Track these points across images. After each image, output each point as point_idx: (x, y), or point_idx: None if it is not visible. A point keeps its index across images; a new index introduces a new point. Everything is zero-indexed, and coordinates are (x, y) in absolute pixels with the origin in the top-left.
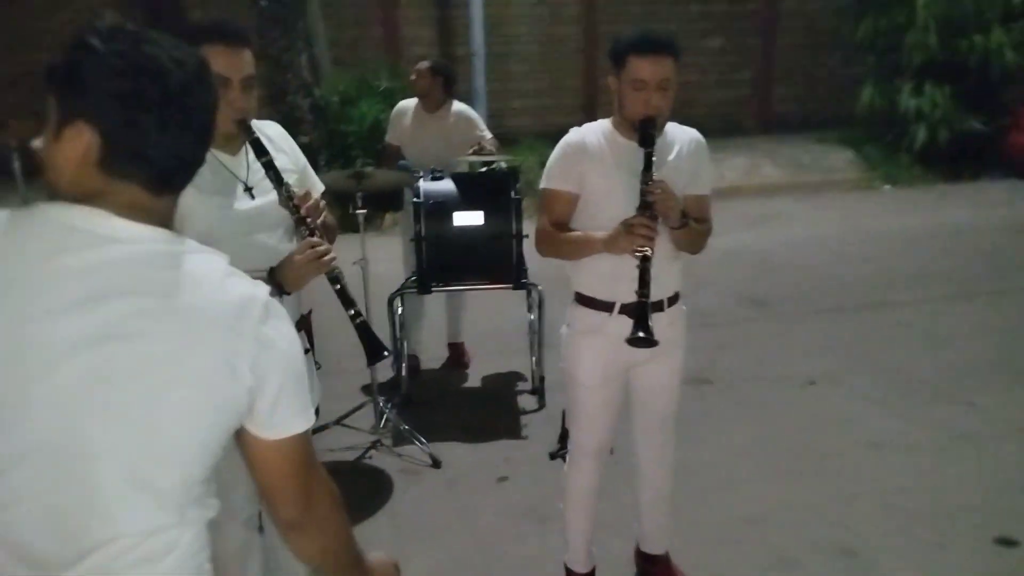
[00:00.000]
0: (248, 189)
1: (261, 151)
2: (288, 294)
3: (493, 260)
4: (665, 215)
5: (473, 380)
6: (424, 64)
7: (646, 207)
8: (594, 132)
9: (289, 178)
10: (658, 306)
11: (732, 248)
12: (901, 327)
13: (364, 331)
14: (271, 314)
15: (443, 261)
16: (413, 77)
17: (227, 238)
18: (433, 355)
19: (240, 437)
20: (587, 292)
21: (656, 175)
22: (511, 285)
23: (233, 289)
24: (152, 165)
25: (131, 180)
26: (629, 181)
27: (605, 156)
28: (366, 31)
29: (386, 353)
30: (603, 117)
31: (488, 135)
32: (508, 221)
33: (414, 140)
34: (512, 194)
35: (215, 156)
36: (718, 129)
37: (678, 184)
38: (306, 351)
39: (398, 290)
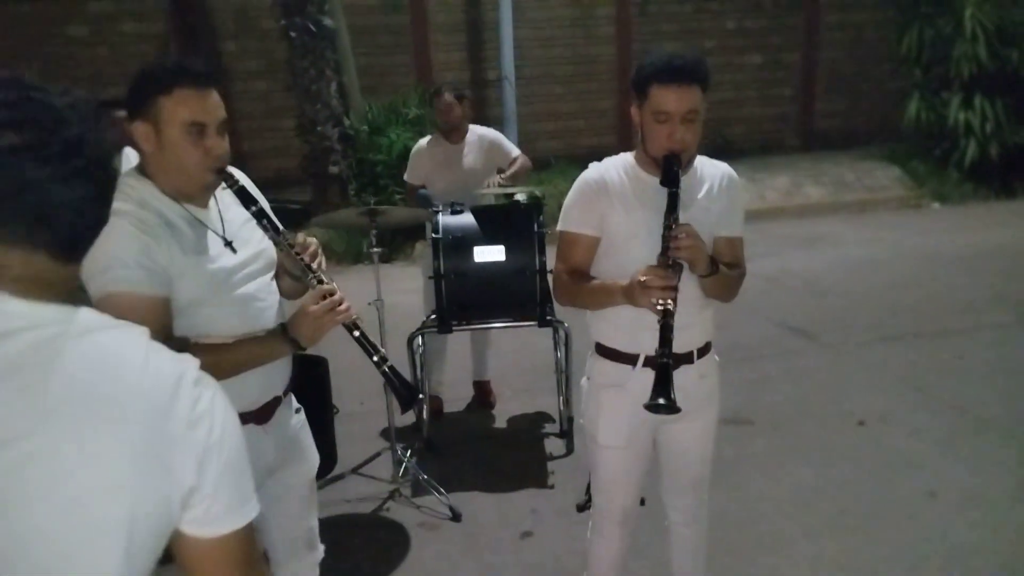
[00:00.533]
0: (228, 243)
1: (248, 199)
2: (304, 350)
3: (516, 296)
4: (691, 263)
5: (498, 421)
6: (448, 96)
7: (667, 256)
8: (615, 168)
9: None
10: (687, 358)
11: (774, 273)
12: (960, 359)
13: (393, 377)
14: (204, 392)
15: (464, 298)
16: (443, 108)
17: (217, 299)
18: (456, 395)
19: (171, 537)
20: (608, 343)
21: (683, 216)
22: (536, 322)
23: (159, 369)
24: (57, 228)
25: (32, 249)
26: (654, 221)
27: (627, 194)
28: (396, 58)
29: (420, 396)
30: (638, 140)
31: (516, 152)
32: (531, 255)
33: (442, 175)
34: (535, 227)
35: (189, 212)
36: (758, 148)
37: (707, 224)
38: (324, 404)
39: (417, 330)
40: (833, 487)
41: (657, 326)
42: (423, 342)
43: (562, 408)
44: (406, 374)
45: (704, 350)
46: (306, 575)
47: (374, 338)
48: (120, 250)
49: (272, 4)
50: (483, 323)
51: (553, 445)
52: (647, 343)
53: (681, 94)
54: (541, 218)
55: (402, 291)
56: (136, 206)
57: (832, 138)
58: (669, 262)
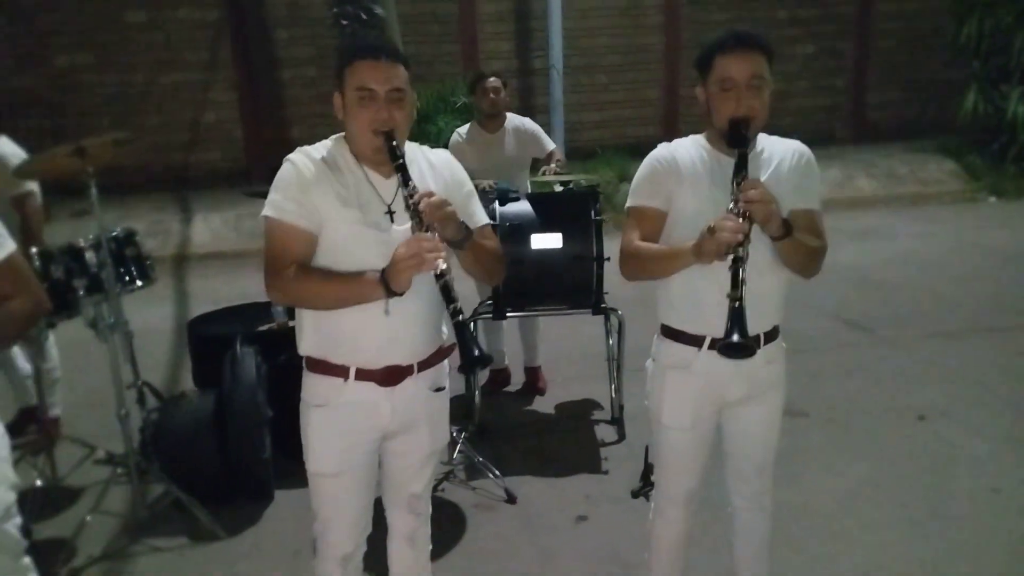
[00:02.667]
0: (390, 212)
1: (395, 156)
2: (400, 294)
3: (572, 284)
4: (762, 220)
5: (549, 408)
6: (495, 80)
7: (738, 208)
8: (685, 147)
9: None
10: (754, 342)
11: (827, 265)
12: (1019, 355)
13: (460, 332)
14: None
15: (520, 286)
16: (492, 96)
17: (355, 251)
18: (511, 381)
19: None
20: (675, 324)
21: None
22: (590, 310)
23: None
24: None
25: None
26: (723, 199)
27: (698, 173)
28: (444, 47)
29: (477, 355)
30: (684, 129)
31: (552, 145)
32: (588, 243)
33: (482, 163)
34: (592, 214)
35: (364, 172)
36: (809, 139)
37: (780, 197)
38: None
39: (471, 316)
40: (892, 481)
41: (724, 308)
42: (475, 327)
43: (613, 396)
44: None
45: (772, 335)
46: (408, 532)
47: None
48: (281, 184)
49: None
50: (538, 310)
51: (604, 432)
52: (714, 324)
53: (744, 60)
54: (598, 206)
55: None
56: (305, 156)
57: (884, 130)
58: (739, 212)
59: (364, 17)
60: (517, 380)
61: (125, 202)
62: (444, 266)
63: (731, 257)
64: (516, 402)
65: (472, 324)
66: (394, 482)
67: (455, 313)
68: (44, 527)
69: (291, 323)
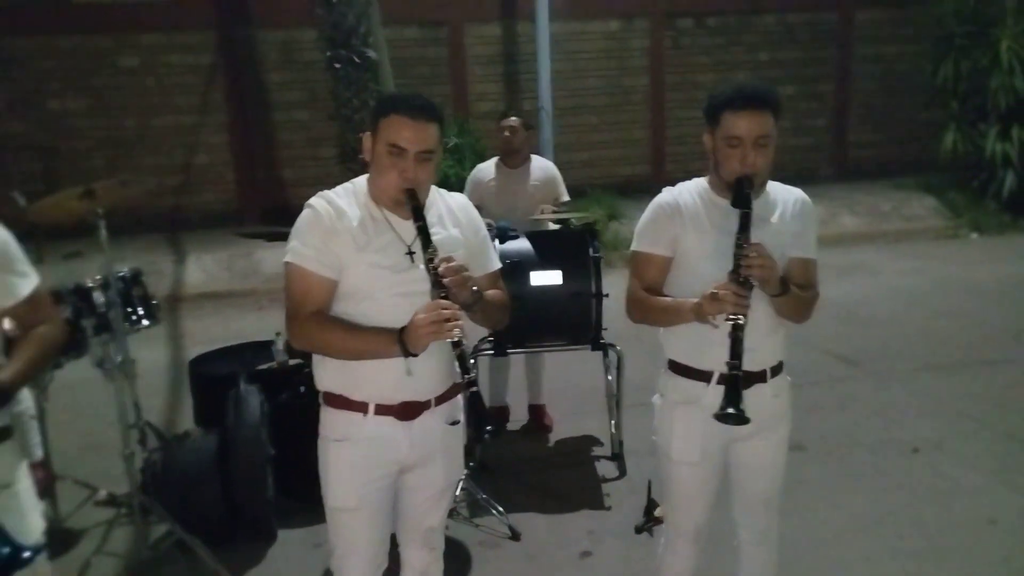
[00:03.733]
0: (410, 253)
1: (418, 216)
2: (415, 355)
3: (571, 320)
4: (762, 282)
5: (549, 444)
6: (514, 120)
7: (738, 273)
8: (688, 192)
9: (455, 250)
10: (760, 377)
11: None
12: (1009, 388)
13: (473, 403)
14: None
15: (520, 322)
16: (507, 134)
17: (374, 294)
18: (510, 418)
19: None
20: (681, 360)
21: (754, 237)
22: (589, 345)
23: None
24: None
25: None
26: (726, 243)
27: (700, 217)
28: (435, 89)
29: (488, 429)
30: (671, 169)
31: (567, 197)
32: (587, 279)
33: (499, 198)
34: (591, 251)
35: (384, 215)
36: (792, 177)
37: (779, 246)
38: (454, 423)
39: (472, 352)
40: (891, 514)
41: (727, 327)
42: (475, 364)
43: (613, 432)
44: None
45: (777, 369)
46: (423, 567)
47: None
48: (301, 230)
49: (317, 37)
50: (538, 346)
51: (605, 468)
52: (720, 360)
53: (753, 120)
54: (596, 243)
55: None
56: (325, 201)
57: (866, 168)
58: (740, 279)
59: (357, 60)
60: (516, 417)
61: (118, 243)
62: (460, 335)
63: (731, 324)
64: (516, 439)
65: (474, 359)
66: (410, 517)
67: (469, 384)
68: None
69: (291, 362)
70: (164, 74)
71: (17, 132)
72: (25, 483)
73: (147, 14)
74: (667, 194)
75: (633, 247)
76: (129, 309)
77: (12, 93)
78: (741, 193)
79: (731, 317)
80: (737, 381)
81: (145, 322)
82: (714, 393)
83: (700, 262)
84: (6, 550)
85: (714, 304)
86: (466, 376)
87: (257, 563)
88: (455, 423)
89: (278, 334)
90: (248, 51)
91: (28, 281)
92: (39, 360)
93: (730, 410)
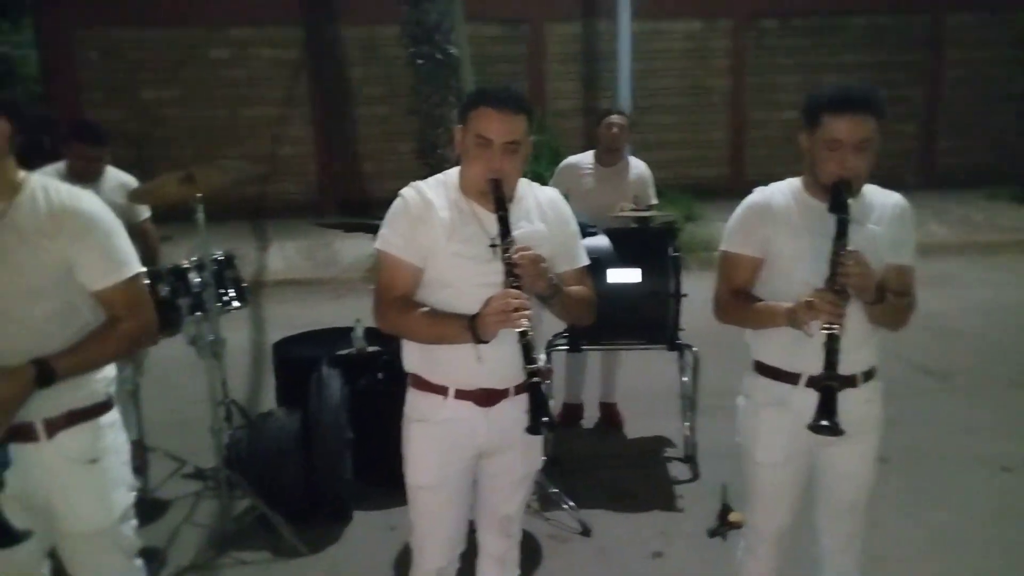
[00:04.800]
0: (493, 245)
1: (500, 206)
2: (485, 342)
3: (648, 319)
4: (859, 290)
5: (621, 443)
6: (619, 117)
7: (835, 281)
8: (781, 192)
9: (539, 245)
10: (851, 381)
11: None
12: None
13: (533, 394)
14: None
15: (596, 319)
16: (614, 131)
17: (456, 283)
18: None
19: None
20: (769, 361)
21: (851, 243)
22: (665, 345)
23: None
24: None
25: None
26: (820, 246)
27: (793, 218)
28: (514, 85)
29: (544, 421)
30: (751, 172)
31: (655, 201)
32: (666, 279)
33: (590, 194)
34: (670, 250)
35: (471, 207)
36: (877, 183)
37: (875, 252)
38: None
39: (546, 346)
40: (974, 532)
41: (820, 344)
42: (549, 359)
43: (687, 434)
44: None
45: (869, 374)
46: (499, 554)
47: None
48: (391, 219)
49: (400, 34)
50: (613, 344)
51: (678, 469)
52: (809, 362)
53: (855, 123)
54: (676, 242)
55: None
56: (415, 191)
57: (956, 177)
58: (836, 287)
59: (439, 57)
60: (588, 414)
61: (206, 228)
62: (528, 325)
63: (826, 333)
64: (588, 436)
65: (548, 353)
66: (487, 503)
67: (532, 374)
68: (141, 534)
69: (370, 349)
70: (253, 67)
71: (114, 120)
72: (113, 459)
73: (237, 8)
74: (758, 194)
75: (722, 247)
76: (221, 291)
77: (110, 83)
78: (839, 198)
79: (826, 327)
80: (832, 392)
81: (236, 303)
82: (803, 395)
83: (793, 265)
84: None
85: (809, 312)
86: (528, 367)
87: (333, 542)
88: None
89: (358, 321)
90: (333, 47)
91: (122, 269)
92: (102, 356)
93: (824, 422)
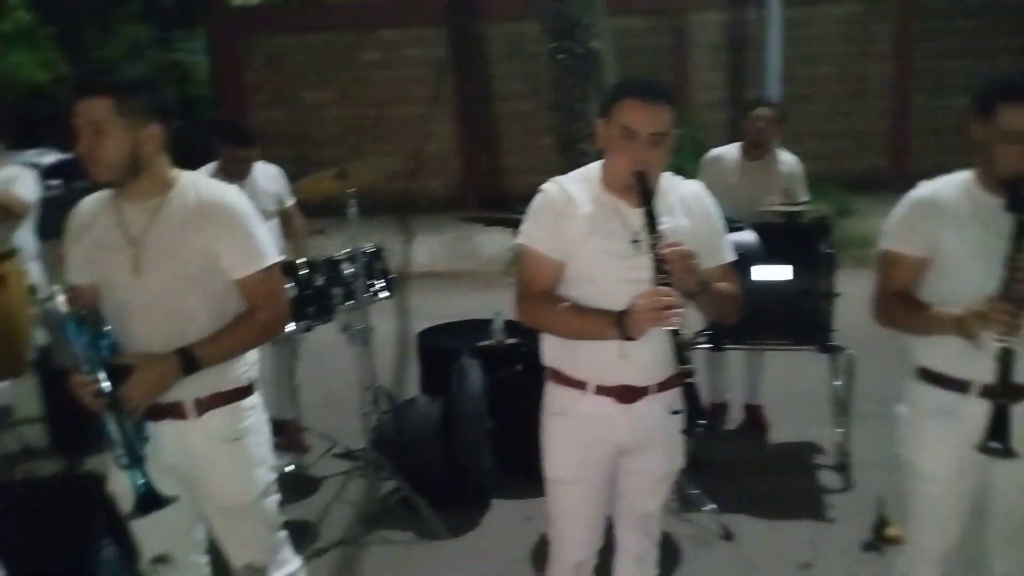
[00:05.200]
0: (636, 241)
1: (646, 200)
2: (633, 339)
3: (797, 319)
4: None
5: (766, 448)
6: (766, 110)
7: (1011, 289)
8: (951, 187)
9: (685, 242)
10: None
11: None
12: None
13: (688, 395)
14: None
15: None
16: (760, 125)
17: (598, 279)
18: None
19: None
20: (935, 367)
21: None
22: (816, 347)
23: None
24: None
25: None
26: (994, 247)
27: (964, 214)
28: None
29: (699, 423)
30: (914, 164)
31: (805, 197)
32: (817, 277)
33: (735, 189)
34: (822, 247)
35: (613, 202)
36: None
37: None
38: (676, 412)
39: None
40: None
41: (994, 349)
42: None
43: (839, 440)
44: None
45: None
46: (638, 552)
47: None
48: (534, 214)
49: (542, 29)
50: (758, 344)
51: (828, 478)
52: (981, 369)
53: None
54: (829, 238)
55: None
56: (558, 186)
57: None
58: (1012, 296)
59: (580, 51)
60: (732, 415)
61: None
62: (679, 325)
63: (1000, 347)
64: (731, 439)
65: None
66: (627, 500)
67: (685, 375)
68: (291, 509)
69: (509, 341)
70: (400, 67)
71: (276, 121)
72: (255, 439)
73: (388, 11)
74: (924, 188)
75: (883, 245)
76: (371, 281)
77: (274, 86)
78: (1017, 196)
79: (1000, 339)
80: (1005, 412)
81: (385, 293)
82: (974, 405)
83: (964, 264)
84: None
85: (981, 322)
86: (682, 367)
87: (472, 528)
88: (676, 412)
89: (497, 313)
90: (476, 44)
91: (260, 259)
92: (240, 344)
93: (994, 444)
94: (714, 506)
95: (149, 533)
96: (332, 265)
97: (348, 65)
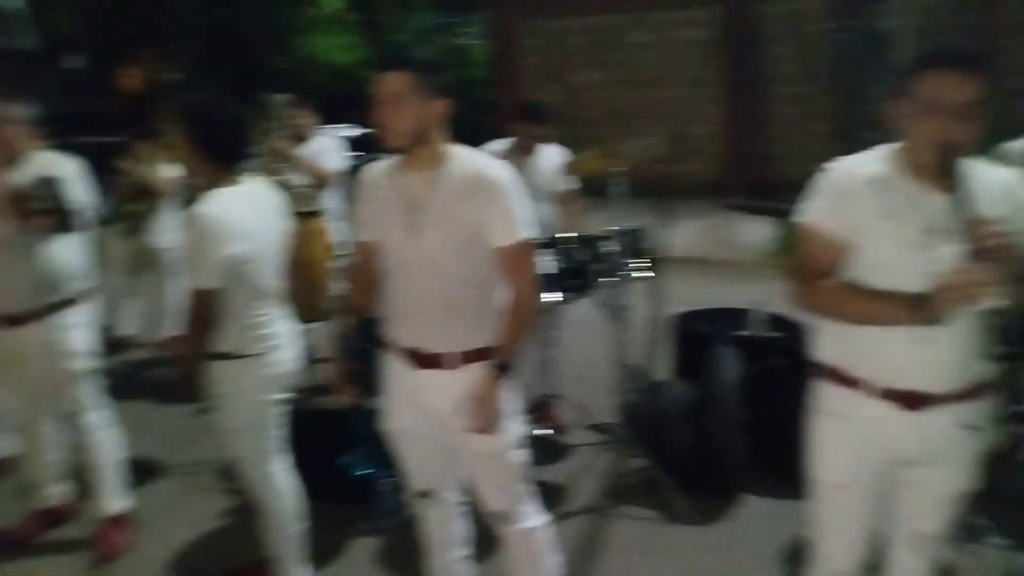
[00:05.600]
0: (935, 231)
1: (953, 178)
2: (933, 323)
3: None
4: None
5: None
6: None
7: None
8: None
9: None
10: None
11: None
12: None
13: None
14: None
15: None
16: None
17: (889, 267)
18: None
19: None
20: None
21: None
22: None
23: None
24: None
25: None
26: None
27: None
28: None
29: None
30: None
31: None
32: None
33: None
34: None
35: (913, 186)
36: None
37: None
38: (971, 428)
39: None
40: None
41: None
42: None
43: None
44: None
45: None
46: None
47: None
48: (817, 192)
49: (824, 8)
50: None
51: None
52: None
53: None
54: None
55: None
56: (844, 166)
57: None
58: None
59: (867, 30)
60: None
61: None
62: (1000, 300)
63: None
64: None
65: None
66: (900, 514)
67: (1008, 357)
68: (543, 471)
69: (770, 334)
70: (670, 48)
71: (549, 101)
72: (503, 395)
73: None
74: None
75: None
76: (632, 260)
77: (547, 68)
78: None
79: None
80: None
81: (646, 273)
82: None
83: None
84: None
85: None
86: (1003, 350)
87: (721, 518)
88: (973, 429)
89: (757, 304)
90: (753, 24)
91: (517, 231)
92: (520, 329)
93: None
94: (1004, 541)
95: (414, 471)
96: (593, 242)
97: (615, 47)
